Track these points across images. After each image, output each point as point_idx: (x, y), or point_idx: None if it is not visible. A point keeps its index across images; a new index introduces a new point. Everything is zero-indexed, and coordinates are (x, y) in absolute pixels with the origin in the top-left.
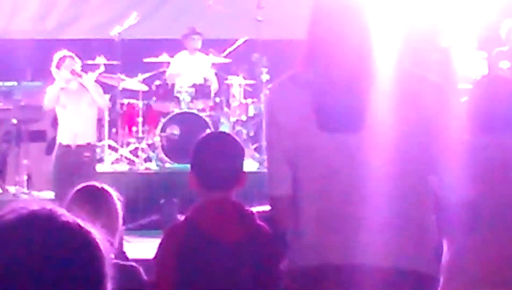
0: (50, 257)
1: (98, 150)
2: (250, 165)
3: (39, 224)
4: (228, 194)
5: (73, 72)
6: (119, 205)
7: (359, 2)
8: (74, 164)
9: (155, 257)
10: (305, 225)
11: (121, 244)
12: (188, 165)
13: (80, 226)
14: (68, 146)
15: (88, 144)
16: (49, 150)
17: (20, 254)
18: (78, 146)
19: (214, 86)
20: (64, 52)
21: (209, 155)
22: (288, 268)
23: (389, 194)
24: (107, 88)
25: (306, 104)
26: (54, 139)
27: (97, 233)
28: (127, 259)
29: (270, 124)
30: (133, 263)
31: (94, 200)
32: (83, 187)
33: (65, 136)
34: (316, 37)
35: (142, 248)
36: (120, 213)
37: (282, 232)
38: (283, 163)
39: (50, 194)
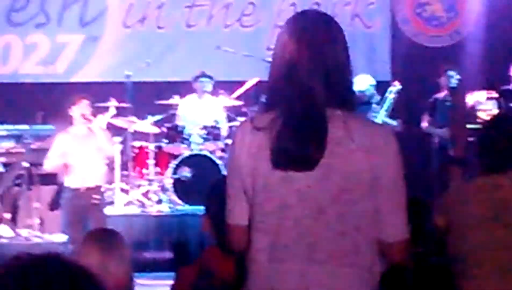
0: None
1: (109, 193)
2: None
3: (44, 270)
4: None
5: (83, 116)
6: (129, 249)
7: (312, 38)
8: (83, 207)
9: None
10: (258, 254)
11: (131, 287)
12: (200, 207)
13: (87, 272)
14: (77, 189)
15: (97, 187)
16: (59, 194)
17: None
18: (88, 189)
19: (224, 128)
20: (78, 95)
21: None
22: None
23: (333, 230)
24: (118, 131)
25: (262, 145)
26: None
27: (101, 279)
28: None
29: (230, 162)
30: None
31: (105, 243)
32: (94, 231)
33: (73, 179)
34: (272, 79)
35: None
36: (131, 257)
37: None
38: (241, 198)
39: (63, 237)
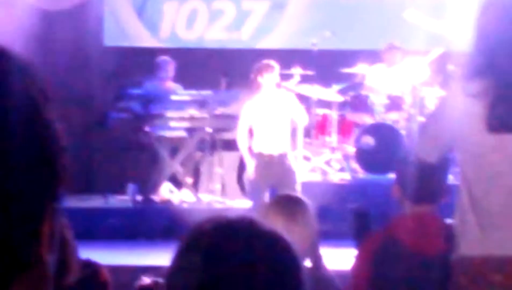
0: (254, 265)
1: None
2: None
3: (240, 234)
4: (433, 207)
5: (275, 83)
6: (313, 215)
7: None
8: (271, 174)
9: (352, 268)
10: (468, 218)
11: (318, 256)
12: (382, 176)
13: (280, 235)
14: (270, 155)
15: (285, 153)
16: (243, 160)
17: (225, 264)
18: (276, 155)
19: (408, 98)
20: (270, 62)
21: (418, 168)
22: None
23: None
24: (302, 99)
25: (475, 112)
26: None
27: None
28: (325, 269)
29: (438, 117)
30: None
31: (290, 210)
32: (279, 197)
33: (262, 146)
34: (483, 47)
35: (335, 258)
36: (315, 223)
37: None
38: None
39: (245, 203)
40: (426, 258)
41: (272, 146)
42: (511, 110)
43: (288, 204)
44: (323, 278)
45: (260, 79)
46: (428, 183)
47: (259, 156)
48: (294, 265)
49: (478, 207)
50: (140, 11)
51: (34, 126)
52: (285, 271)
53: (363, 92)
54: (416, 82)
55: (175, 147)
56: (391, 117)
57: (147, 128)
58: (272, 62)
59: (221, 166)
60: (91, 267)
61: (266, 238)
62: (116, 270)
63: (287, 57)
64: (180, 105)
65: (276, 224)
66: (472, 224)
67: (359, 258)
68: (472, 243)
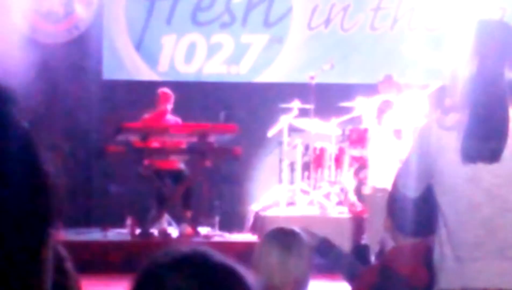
0: None
1: (290, 193)
2: None
3: (192, 267)
4: (427, 240)
5: None
6: (307, 248)
7: None
8: None
9: None
10: (447, 251)
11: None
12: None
13: (233, 268)
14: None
15: None
16: None
17: None
18: None
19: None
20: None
21: (403, 202)
22: None
23: None
24: (300, 132)
25: (450, 145)
26: None
27: (250, 275)
28: None
29: (414, 154)
30: None
31: (285, 242)
32: (275, 230)
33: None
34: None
35: None
36: (310, 258)
37: None
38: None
39: (243, 236)
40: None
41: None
42: (485, 141)
43: (283, 238)
44: None
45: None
46: (415, 216)
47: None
48: None
49: (454, 240)
50: (138, 45)
51: (25, 160)
52: None
53: (362, 126)
54: (415, 116)
55: (174, 179)
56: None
57: (146, 161)
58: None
59: (220, 199)
60: None
61: (218, 271)
62: None
63: (285, 91)
64: (180, 138)
65: (272, 256)
66: (449, 257)
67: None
68: (450, 276)
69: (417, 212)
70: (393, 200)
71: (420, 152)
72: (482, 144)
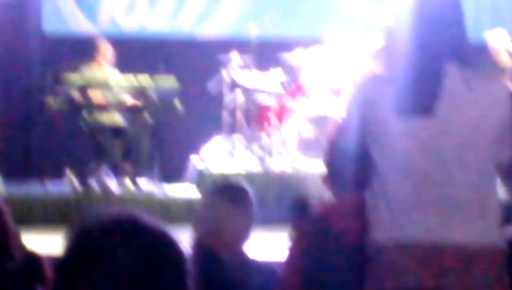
0: (135, 262)
1: (231, 146)
2: None
3: (122, 230)
4: (360, 195)
5: None
6: (253, 203)
7: None
8: None
9: (287, 255)
10: (382, 205)
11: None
12: (321, 163)
13: (164, 231)
14: None
15: None
16: None
17: (108, 261)
18: None
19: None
20: None
21: (339, 157)
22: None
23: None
24: (239, 85)
25: (384, 98)
26: None
27: (177, 236)
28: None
29: (352, 109)
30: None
31: (231, 197)
32: (221, 184)
33: None
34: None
35: (273, 245)
36: (254, 211)
37: None
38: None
39: (184, 189)
40: (352, 243)
41: None
42: (419, 95)
43: (227, 190)
44: (251, 264)
45: None
46: (351, 171)
47: None
48: (177, 261)
49: (389, 194)
50: None
51: None
52: (167, 267)
53: (302, 79)
54: (356, 71)
55: (113, 132)
56: (330, 104)
57: (85, 115)
58: None
59: (160, 151)
60: (34, 259)
61: (147, 236)
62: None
63: (225, 44)
64: (119, 91)
65: (218, 210)
66: (383, 211)
67: (292, 245)
68: (384, 230)
69: (353, 167)
70: (330, 154)
71: (356, 107)
72: (416, 98)
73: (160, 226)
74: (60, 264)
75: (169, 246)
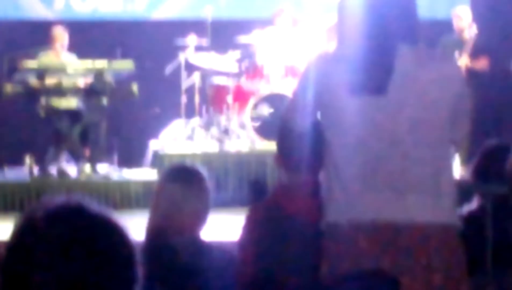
0: (78, 249)
1: (189, 129)
2: None
3: (67, 217)
4: (314, 176)
5: None
6: (209, 186)
7: None
8: None
9: (239, 237)
10: (335, 185)
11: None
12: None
13: (109, 219)
14: None
15: None
16: None
17: (52, 250)
18: None
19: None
20: None
21: (295, 137)
22: (324, 226)
23: (410, 160)
24: (197, 68)
25: (339, 77)
26: None
27: (123, 224)
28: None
29: (305, 85)
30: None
31: (185, 179)
32: (175, 167)
33: None
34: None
35: (231, 227)
36: (210, 195)
37: None
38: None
39: (143, 173)
40: (303, 225)
41: None
42: (371, 74)
43: (184, 174)
44: (206, 249)
45: None
46: (303, 152)
47: None
48: (123, 249)
49: (342, 173)
50: None
51: None
52: (112, 255)
53: (259, 60)
54: (311, 50)
55: (71, 118)
56: (287, 85)
57: (43, 100)
58: None
59: (118, 136)
60: None
61: (93, 223)
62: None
63: (182, 27)
64: (76, 76)
65: (172, 193)
66: (337, 191)
67: (245, 226)
68: (338, 209)
69: (306, 148)
70: (282, 136)
71: (307, 86)
72: (368, 77)
73: (107, 213)
74: (6, 248)
75: (115, 234)
